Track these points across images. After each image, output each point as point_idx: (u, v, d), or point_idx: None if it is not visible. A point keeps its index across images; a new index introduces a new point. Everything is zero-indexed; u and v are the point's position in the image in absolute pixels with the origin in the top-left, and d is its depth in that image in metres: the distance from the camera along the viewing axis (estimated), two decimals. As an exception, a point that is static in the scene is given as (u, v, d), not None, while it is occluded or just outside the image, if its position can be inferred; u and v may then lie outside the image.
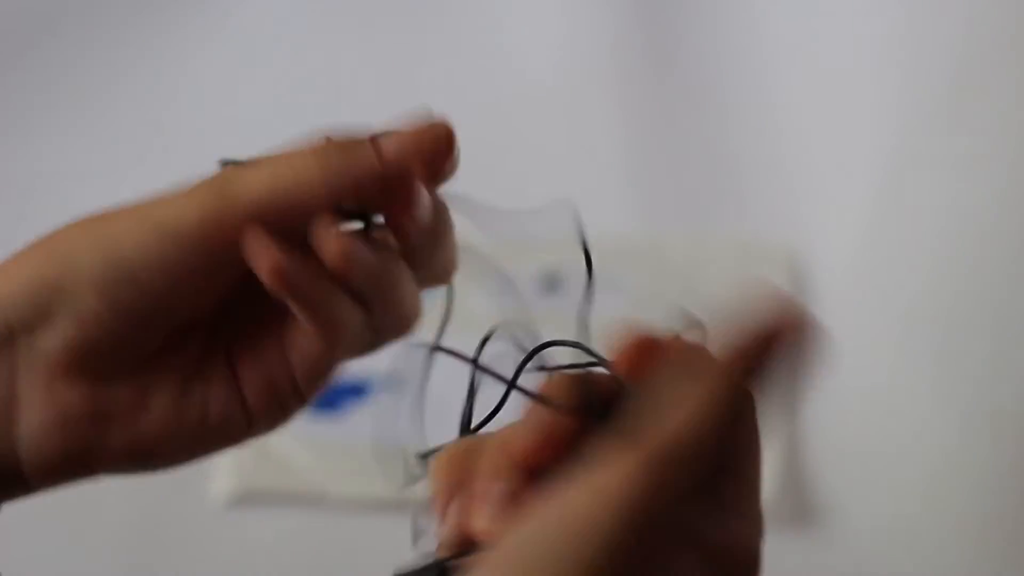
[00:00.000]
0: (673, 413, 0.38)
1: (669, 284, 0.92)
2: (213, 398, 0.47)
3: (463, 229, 0.56)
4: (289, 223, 0.45)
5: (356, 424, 0.86)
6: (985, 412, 0.85)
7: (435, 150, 0.48)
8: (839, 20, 1.00)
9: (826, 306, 0.91)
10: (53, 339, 0.44)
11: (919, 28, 0.97)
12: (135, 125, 1.05)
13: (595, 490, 0.36)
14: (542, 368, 0.44)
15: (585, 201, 1.06)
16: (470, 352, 0.45)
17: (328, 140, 0.47)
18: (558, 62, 1.03)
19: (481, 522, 0.40)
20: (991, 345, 0.87)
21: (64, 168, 1.03)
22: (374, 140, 0.47)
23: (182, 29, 1.08)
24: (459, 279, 0.50)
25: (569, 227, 0.52)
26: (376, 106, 1.08)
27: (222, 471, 0.88)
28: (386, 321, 0.49)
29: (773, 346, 0.41)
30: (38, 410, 0.44)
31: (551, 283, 0.93)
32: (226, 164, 0.47)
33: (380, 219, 0.47)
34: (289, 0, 1.10)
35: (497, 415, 0.45)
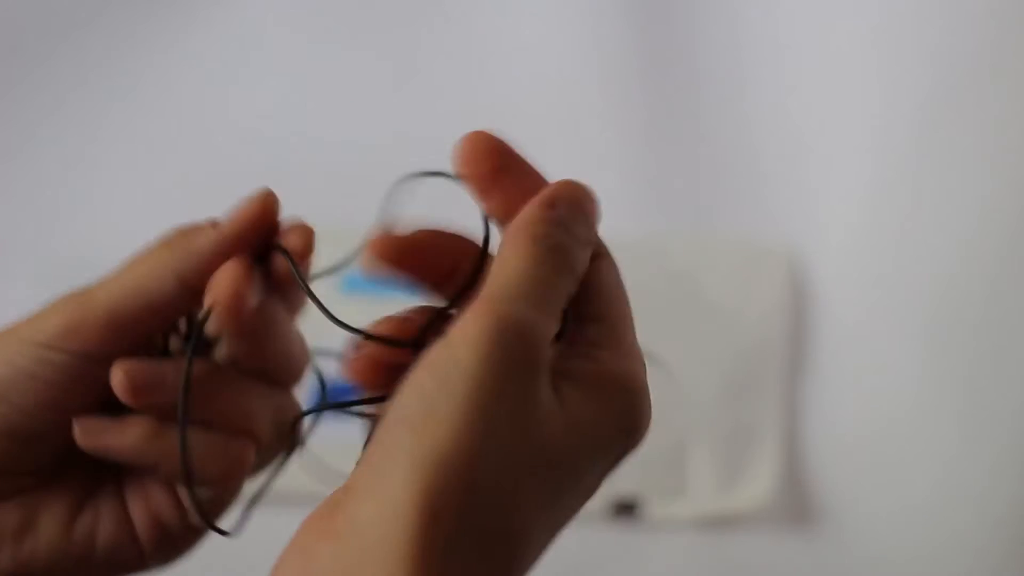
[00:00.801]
0: (500, 269, 0.41)
1: (669, 284, 0.92)
2: (102, 527, 0.46)
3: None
4: (149, 320, 0.45)
5: (356, 424, 0.86)
6: (986, 412, 0.85)
7: (263, 211, 0.47)
8: (839, 21, 1.00)
9: (826, 306, 0.91)
10: None
11: (919, 28, 0.97)
12: (135, 126, 1.05)
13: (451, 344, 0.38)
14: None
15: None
16: None
17: (170, 232, 0.47)
18: (558, 62, 1.03)
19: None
20: (992, 345, 0.87)
21: (64, 172, 1.03)
22: (213, 222, 0.47)
23: (183, 31, 1.08)
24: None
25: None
26: (377, 108, 1.09)
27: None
28: (232, 440, 0.47)
29: (560, 197, 0.48)
30: None
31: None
32: None
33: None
34: (292, 4, 1.10)
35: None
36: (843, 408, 0.88)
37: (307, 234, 0.49)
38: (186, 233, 0.47)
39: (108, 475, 0.47)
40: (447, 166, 1.00)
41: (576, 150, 1.01)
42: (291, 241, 0.48)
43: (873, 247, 0.92)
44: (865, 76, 0.98)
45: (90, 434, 0.45)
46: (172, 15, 1.09)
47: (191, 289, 0.45)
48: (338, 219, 0.98)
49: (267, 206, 0.47)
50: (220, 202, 1.03)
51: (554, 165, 1.03)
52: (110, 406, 0.46)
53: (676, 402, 0.88)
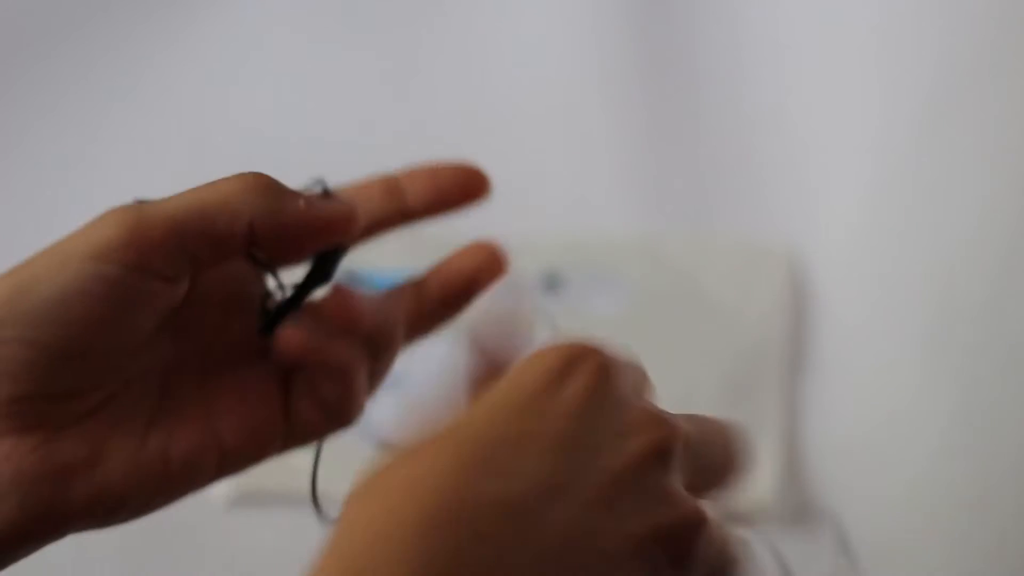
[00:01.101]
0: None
1: (669, 284, 0.93)
2: (176, 444, 0.45)
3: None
4: (208, 243, 0.44)
5: (355, 424, 0.86)
6: (987, 411, 0.85)
7: (349, 219, 0.49)
8: (839, 21, 1.00)
9: (826, 306, 0.91)
10: None
11: (919, 28, 0.97)
12: (135, 125, 1.05)
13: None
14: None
15: (585, 201, 1.07)
16: None
17: (262, 176, 0.47)
18: (558, 62, 1.04)
19: None
20: (992, 344, 0.87)
21: (64, 172, 1.03)
22: (304, 195, 0.47)
23: (183, 31, 1.08)
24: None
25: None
26: (377, 108, 1.09)
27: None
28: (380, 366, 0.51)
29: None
30: None
31: (551, 283, 0.93)
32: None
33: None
34: (292, 4, 1.10)
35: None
36: (843, 408, 0.88)
37: None
38: (278, 190, 0.47)
39: (184, 384, 0.46)
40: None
41: (576, 150, 1.01)
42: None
43: (873, 247, 0.93)
44: (865, 76, 0.98)
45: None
46: (172, 15, 1.09)
47: (254, 240, 0.45)
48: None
49: (353, 217, 0.48)
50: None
51: (554, 165, 1.04)
52: (169, 325, 0.45)
53: (676, 402, 0.88)
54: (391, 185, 0.50)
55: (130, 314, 0.43)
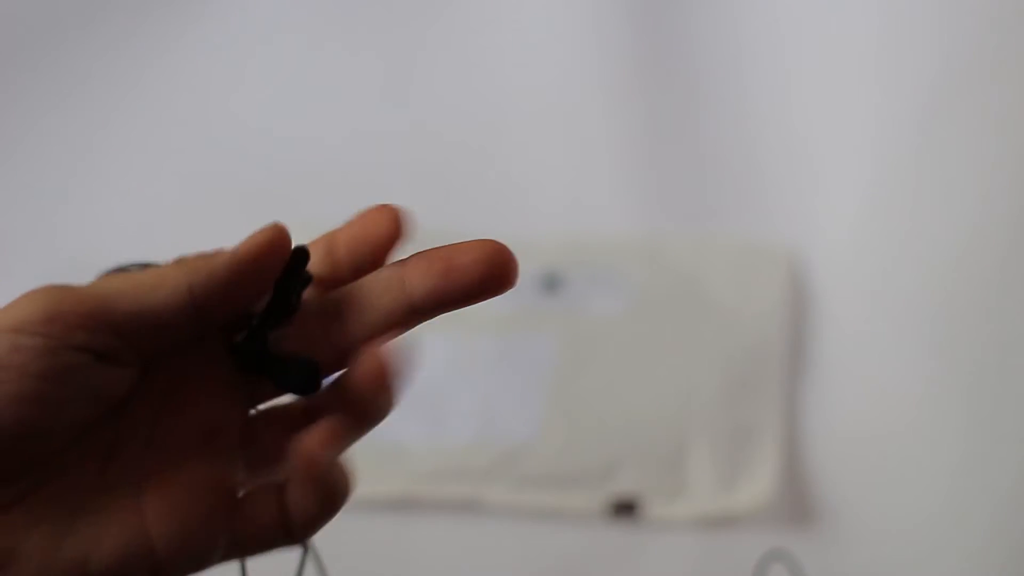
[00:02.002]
0: None
1: (669, 284, 0.93)
2: (100, 546, 0.41)
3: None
4: (146, 320, 0.41)
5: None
6: (987, 410, 0.85)
7: (276, 238, 0.44)
8: (839, 22, 1.00)
9: (826, 306, 0.91)
10: None
11: (919, 29, 0.97)
12: (136, 125, 1.05)
13: None
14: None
15: (585, 201, 1.07)
16: None
17: (191, 256, 0.44)
18: (559, 63, 1.04)
19: None
20: (992, 344, 0.87)
21: (65, 172, 1.03)
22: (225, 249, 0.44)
23: (183, 32, 1.08)
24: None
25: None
26: (377, 108, 1.09)
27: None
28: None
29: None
30: None
31: (551, 283, 0.93)
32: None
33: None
34: (292, 5, 1.10)
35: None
36: (843, 408, 0.88)
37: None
38: (201, 255, 0.43)
39: (117, 474, 0.42)
40: (446, 166, 1.00)
41: (576, 150, 1.01)
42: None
43: (873, 247, 0.93)
44: (865, 76, 0.98)
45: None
46: (174, 18, 1.09)
47: (200, 307, 0.42)
48: (337, 219, 0.98)
49: (279, 234, 0.43)
50: (220, 202, 1.03)
51: (555, 165, 1.04)
52: (98, 401, 0.42)
53: (676, 402, 0.88)
54: (395, 283, 0.44)
55: (58, 393, 0.40)
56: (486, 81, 1.04)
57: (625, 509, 0.85)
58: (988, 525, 0.81)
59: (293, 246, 0.44)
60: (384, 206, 0.44)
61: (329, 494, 0.42)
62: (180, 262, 0.43)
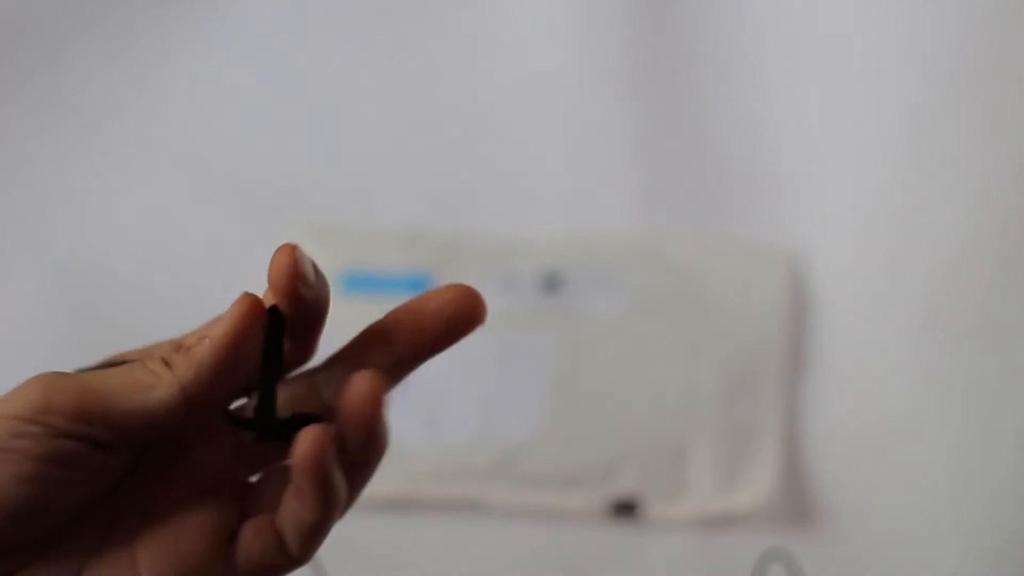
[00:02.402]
0: None
1: (670, 284, 0.93)
2: None
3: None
4: (141, 419, 0.44)
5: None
6: (986, 410, 0.86)
7: (250, 311, 0.45)
8: (841, 23, 1.00)
9: (826, 306, 0.91)
10: None
11: (919, 29, 0.97)
12: (136, 125, 1.05)
13: None
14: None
15: (585, 201, 1.07)
16: None
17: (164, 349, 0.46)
18: (559, 62, 1.03)
19: None
20: (992, 344, 0.87)
21: (65, 172, 1.03)
22: (201, 336, 0.45)
23: (182, 34, 1.08)
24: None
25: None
26: (377, 108, 1.09)
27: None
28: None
29: None
30: None
31: (551, 283, 0.93)
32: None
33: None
34: (292, 4, 1.10)
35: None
36: (843, 408, 0.88)
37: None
38: (181, 349, 0.45)
39: (108, 538, 0.45)
40: (446, 166, 1.00)
41: (577, 150, 1.01)
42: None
43: (873, 247, 0.93)
44: (866, 77, 0.98)
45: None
46: (172, 16, 1.09)
47: (193, 401, 0.44)
48: (338, 219, 0.98)
49: (252, 307, 0.44)
50: (220, 202, 1.03)
51: (555, 165, 1.04)
52: (102, 481, 0.44)
53: (676, 402, 0.88)
54: (376, 338, 0.46)
55: (57, 475, 0.43)
56: (486, 81, 1.04)
57: (625, 509, 0.85)
58: (987, 525, 0.81)
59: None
60: (282, 245, 0.45)
61: (324, 503, 0.43)
62: (163, 362, 0.44)
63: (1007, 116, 0.93)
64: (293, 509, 0.43)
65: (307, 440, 0.41)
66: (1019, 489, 0.82)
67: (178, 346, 0.46)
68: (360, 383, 0.41)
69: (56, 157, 1.04)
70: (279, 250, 0.44)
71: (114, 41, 1.08)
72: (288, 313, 0.45)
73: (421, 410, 0.88)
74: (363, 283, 0.94)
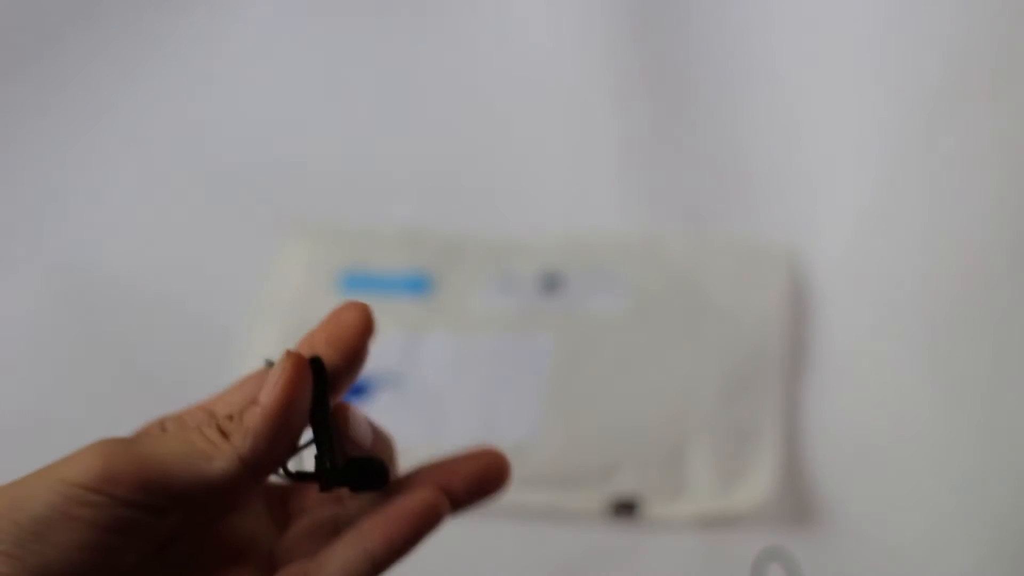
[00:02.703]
0: None
1: (669, 284, 0.93)
2: None
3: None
4: (201, 488, 0.45)
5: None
6: (986, 410, 0.85)
7: (299, 375, 0.46)
8: (838, 22, 1.00)
9: (826, 306, 0.91)
10: None
11: (919, 28, 0.97)
12: (134, 124, 1.05)
13: None
14: None
15: (585, 201, 1.07)
16: None
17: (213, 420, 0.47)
18: (558, 62, 1.03)
19: None
20: (992, 343, 0.87)
21: (63, 171, 1.03)
22: (251, 401, 0.47)
23: (181, 32, 1.08)
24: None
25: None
26: (377, 108, 1.09)
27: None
28: None
29: None
30: None
31: (551, 283, 0.93)
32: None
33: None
34: (292, 3, 1.10)
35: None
36: (843, 408, 0.88)
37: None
38: (233, 419, 0.46)
39: None
40: (446, 166, 1.00)
41: (576, 150, 1.01)
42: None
43: (873, 247, 0.93)
44: (866, 76, 0.98)
45: None
46: (169, 15, 1.09)
47: (251, 469, 0.45)
48: (337, 218, 0.99)
49: (299, 368, 0.46)
50: (219, 203, 1.03)
51: (555, 165, 1.04)
52: (157, 552, 0.46)
53: (676, 402, 0.88)
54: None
55: (114, 538, 0.44)
56: (486, 81, 1.04)
57: (625, 509, 0.85)
58: (987, 525, 0.81)
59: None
60: (353, 303, 0.48)
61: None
62: (220, 431, 0.46)
63: (1010, 116, 0.93)
64: (348, 555, 0.47)
65: (428, 496, 0.47)
66: (1019, 489, 0.82)
67: (212, 412, 0.47)
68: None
69: (50, 158, 1.03)
70: (351, 307, 0.47)
71: (108, 41, 1.08)
72: (340, 367, 0.47)
73: (421, 410, 0.89)
74: (363, 283, 0.93)
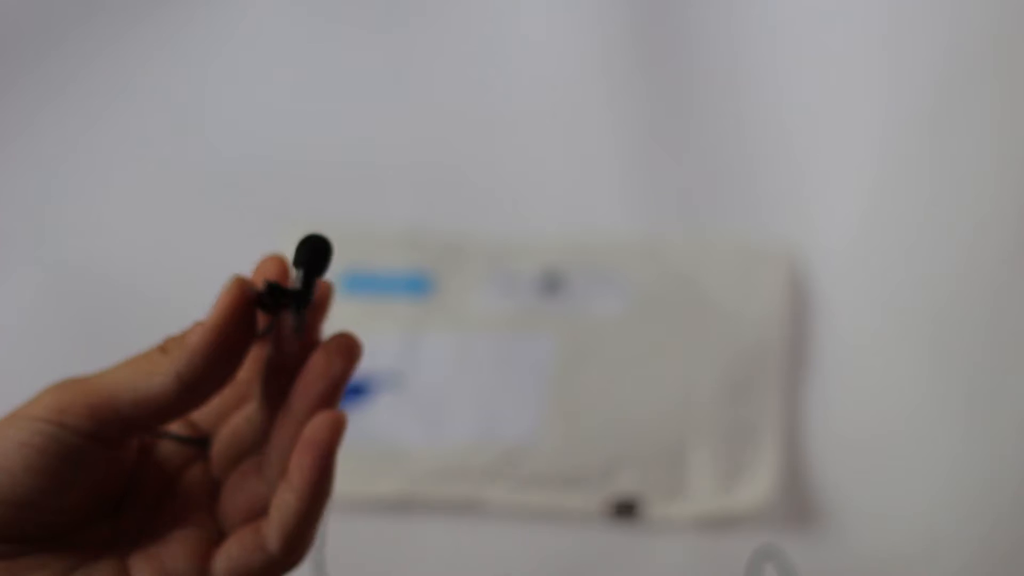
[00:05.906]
0: None
1: (669, 284, 0.93)
2: None
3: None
4: (144, 411, 0.47)
5: (357, 424, 0.86)
6: (987, 411, 0.86)
7: (239, 294, 0.47)
8: (839, 21, 1.00)
9: (826, 306, 0.91)
10: None
11: (920, 27, 0.97)
12: (134, 124, 1.05)
13: None
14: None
15: (585, 201, 1.07)
16: None
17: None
18: (558, 62, 1.03)
19: None
20: (993, 344, 0.87)
21: (62, 171, 1.03)
22: (196, 323, 0.48)
23: (180, 29, 1.08)
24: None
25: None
26: (377, 108, 1.09)
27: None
28: None
29: None
30: None
31: (551, 283, 0.93)
32: None
33: None
34: (292, 2, 1.10)
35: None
36: (843, 408, 0.88)
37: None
38: (175, 337, 0.48)
39: (105, 549, 0.48)
40: (446, 166, 1.00)
41: (576, 150, 1.01)
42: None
43: (874, 247, 0.93)
44: (866, 76, 0.98)
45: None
46: (168, 13, 1.09)
47: (190, 387, 0.47)
48: (337, 218, 0.98)
49: (240, 288, 0.47)
50: (219, 202, 1.03)
51: (555, 165, 1.04)
52: (106, 484, 0.48)
53: (676, 402, 0.88)
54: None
55: (64, 467, 0.47)
56: (486, 81, 1.04)
57: (625, 509, 0.85)
58: (985, 525, 0.81)
59: (308, 236, 0.47)
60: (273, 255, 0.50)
61: (316, 487, 0.47)
62: (160, 349, 0.48)
63: (1011, 115, 0.93)
64: (280, 501, 0.47)
65: (327, 419, 0.45)
66: (1018, 489, 0.82)
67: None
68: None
69: (49, 158, 1.03)
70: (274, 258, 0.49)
71: (108, 41, 1.08)
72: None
73: (421, 410, 0.89)
74: (363, 283, 0.94)
